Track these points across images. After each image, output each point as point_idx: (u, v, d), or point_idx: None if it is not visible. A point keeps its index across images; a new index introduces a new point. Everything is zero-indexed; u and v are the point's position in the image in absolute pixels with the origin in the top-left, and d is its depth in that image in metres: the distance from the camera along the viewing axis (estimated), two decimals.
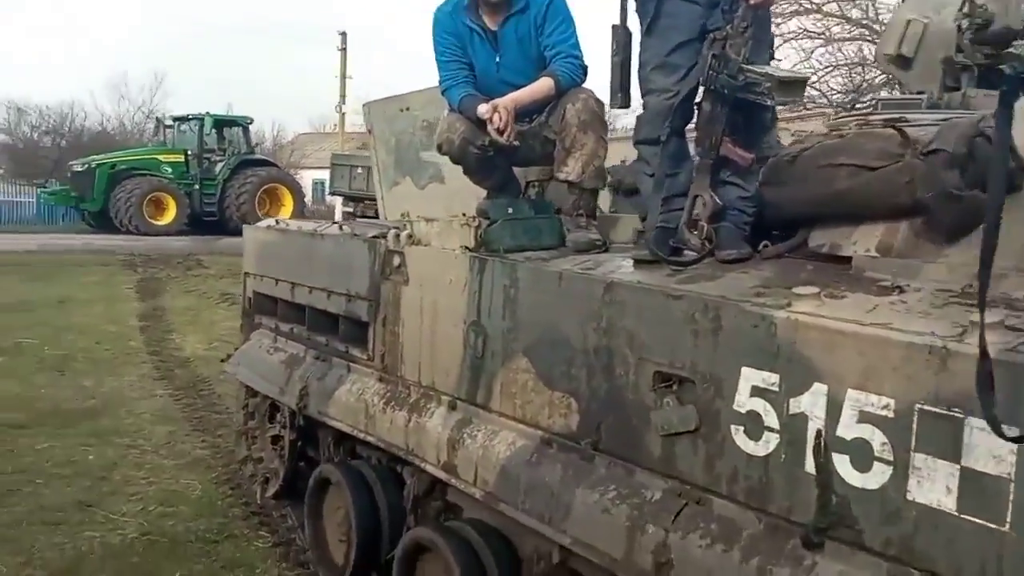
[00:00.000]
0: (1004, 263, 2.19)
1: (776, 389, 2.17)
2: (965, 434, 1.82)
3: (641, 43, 2.91)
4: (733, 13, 2.55)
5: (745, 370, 2.23)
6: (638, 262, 2.79)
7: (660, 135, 2.85)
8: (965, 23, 3.32)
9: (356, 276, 3.78)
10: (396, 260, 3.55)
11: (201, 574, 4.37)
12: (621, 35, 3.00)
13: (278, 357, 4.37)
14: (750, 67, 2.50)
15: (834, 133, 2.70)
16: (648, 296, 2.51)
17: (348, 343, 3.89)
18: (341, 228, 4.03)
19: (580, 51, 3.24)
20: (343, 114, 30.70)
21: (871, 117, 2.81)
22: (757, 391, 2.21)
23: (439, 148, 3.43)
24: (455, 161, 3.39)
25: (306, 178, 33.03)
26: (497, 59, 3.35)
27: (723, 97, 2.60)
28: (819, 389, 2.08)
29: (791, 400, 2.13)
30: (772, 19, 2.93)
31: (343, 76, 30.31)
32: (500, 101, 3.08)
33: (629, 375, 2.55)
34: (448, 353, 3.27)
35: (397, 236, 3.57)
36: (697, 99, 2.74)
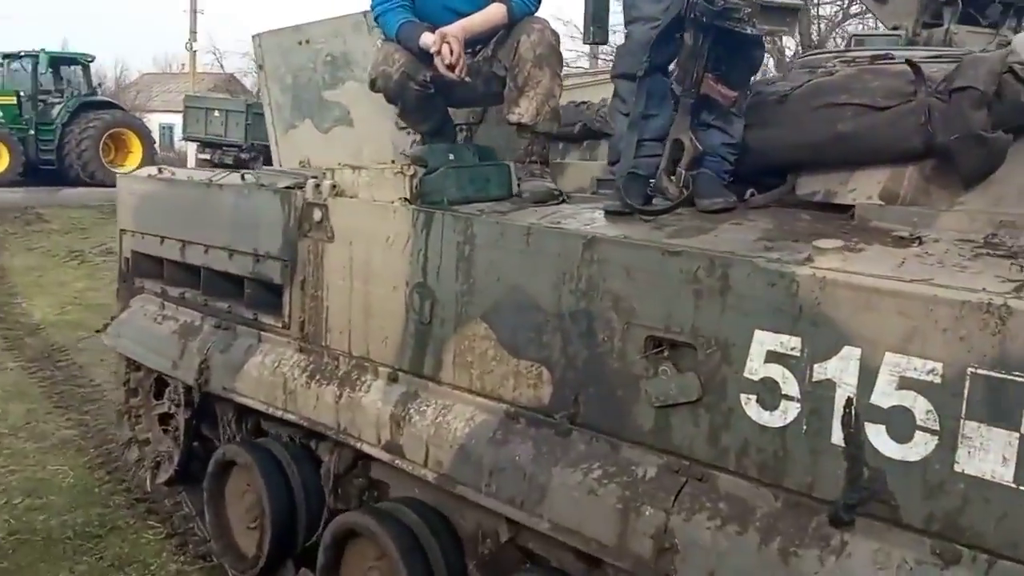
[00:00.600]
0: (1019, 210, 2.06)
1: (797, 354, 1.95)
2: None
3: None
4: None
5: (759, 333, 2.00)
6: (609, 213, 2.51)
7: (639, 70, 2.56)
8: None
9: (265, 233, 3.32)
10: (317, 214, 3.11)
11: (85, 575, 3.87)
12: None
13: (168, 326, 3.84)
14: None
15: (820, 71, 2.49)
16: (638, 253, 2.23)
17: (257, 309, 3.43)
18: (244, 177, 3.52)
19: None
20: (194, 52, 28.66)
21: (850, 54, 2.62)
22: (774, 356, 1.98)
23: (372, 84, 2.99)
24: (391, 99, 2.97)
25: (152, 122, 30.73)
26: None
27: (704, 27, 2.33)
28: (850, 353, 1.87)
29: (815, 366, 1.92)
30: None
31: (193, 10, 28.19)
32: (448, 29, 2.68)
33: (614, 341, 2.28)
34: (386, 319, 2.90)
35: (317, 187, 3.13)
36: None
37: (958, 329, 1.72)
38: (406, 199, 2.90)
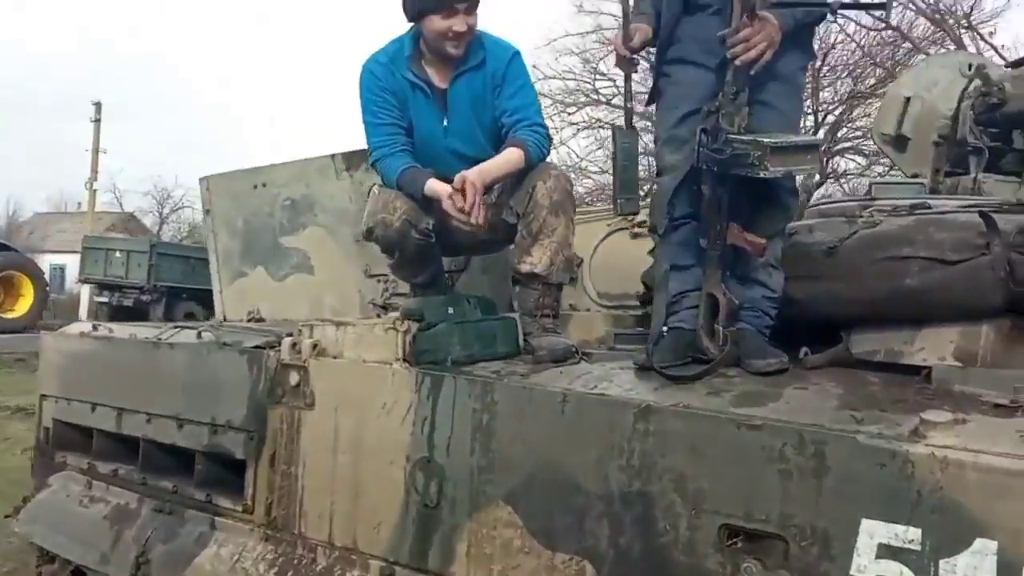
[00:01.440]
0: None
1: (918, 548, 1.67)
2: None
3: (655, 116, 2.45)
4: (721, 79, 2.14)
5: (867, 523, 1.72)
6: (640, 368, 2.25)
7: (661, 224, 2.36)
8: (977, 102, 3.19)
9: (226, 399, 2.89)
10: (293, 378, 2.72)
11: None
12: (625, 137, 2.47)
13: (96, 510, 3.27)
14: (737, 135, 2.07)
15: (861, 222, 2.34)
16: (707, 425, 1.94)
17: (211, 489, 2.94)
18: (200, 335, 3.10)
19: (543, 119, 2.69)
20: (94, 191, 27.85)
21: (881, 202, 2.49)
22: (887, 551, 1.70)
23: (368, 233, 2.69)
24: (389, 248, 2.67)
25: (44, 262, 29.43)
26: (445, 123, 2.71)
27: (718, 176, 2.16)
28: (985, 547, 1.60)
29: (942, 562, 1.64)
30: (801, 85, 2.54)
31: (95, 150, 27.58)
32: (468, 174, 2.43)
33: (679, 530, 1.95)
34: (380, 501, 2.48)
35: (294, 346, 2.76)
36: None
37: None
38: (404, 359, 2.56)
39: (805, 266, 2.30)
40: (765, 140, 2.07)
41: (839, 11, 2.10)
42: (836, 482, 1.76)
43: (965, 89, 3.17)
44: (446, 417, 2.37)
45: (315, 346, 2.73)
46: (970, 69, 3.21)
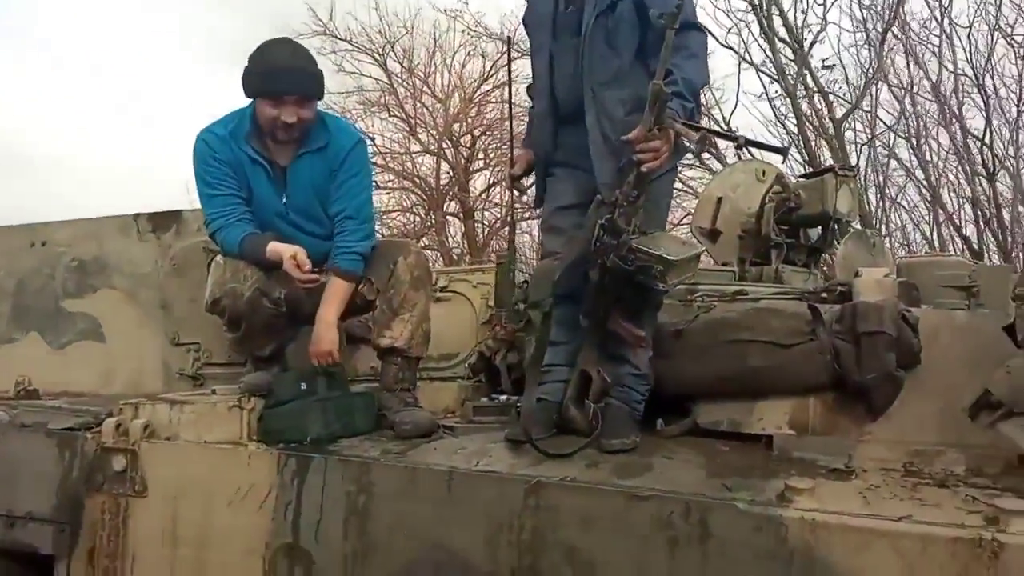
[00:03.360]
0: (927, 438, 2.28)
1: None
2: None
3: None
4: (622, 178, 2.32)
5: None
6: (512, 441, 2.33)
7: (543, 301, 2.49)
8: (777, 204, 3.64)
9: (28, 489, 2.54)
10: (119, 463, 2.46)
11: None
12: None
13: None
14: (641, 248, 2.25)
15: (697, 306, 2.62)
16: (596, 497, 2.05)
17: None
18: None
19: (370, 217, 2.67)
20: None
21: (705, 287, 2.81)
22: None
23: (214, 303, 2.50)
24: (236, 319, 2.50)
25: None
26: (284, 200, 2.64)
27: (612, 270, 2.32)
28: None
29: None
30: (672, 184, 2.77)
31: None
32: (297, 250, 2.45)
33: None
34: None
35: (119, 426, 2.50)
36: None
37: (954, 565, 1.80)
38: (252, 439, 2.43)
39: (655, 345, 2.52)
40: (669, 257, 2.22)
41: (743, 147, 2.35)
42: (719, 546, 1.95)
43: (767, 192, 3.69)
44: (314, 501, 2.28)
45: (146, 427, 2.50)
46: (764, 175, 3.76)
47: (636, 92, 2.34)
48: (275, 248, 2.51)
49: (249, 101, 2.65)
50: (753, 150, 2.31)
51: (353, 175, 2.68)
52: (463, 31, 14.70)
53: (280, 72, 2.56)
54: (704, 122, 2.54)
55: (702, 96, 2.55)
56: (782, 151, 2.89)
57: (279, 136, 2.60)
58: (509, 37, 4.50)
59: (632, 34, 2.41)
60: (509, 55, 3.65)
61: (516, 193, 2.87)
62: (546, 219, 2.64)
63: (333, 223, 2.67)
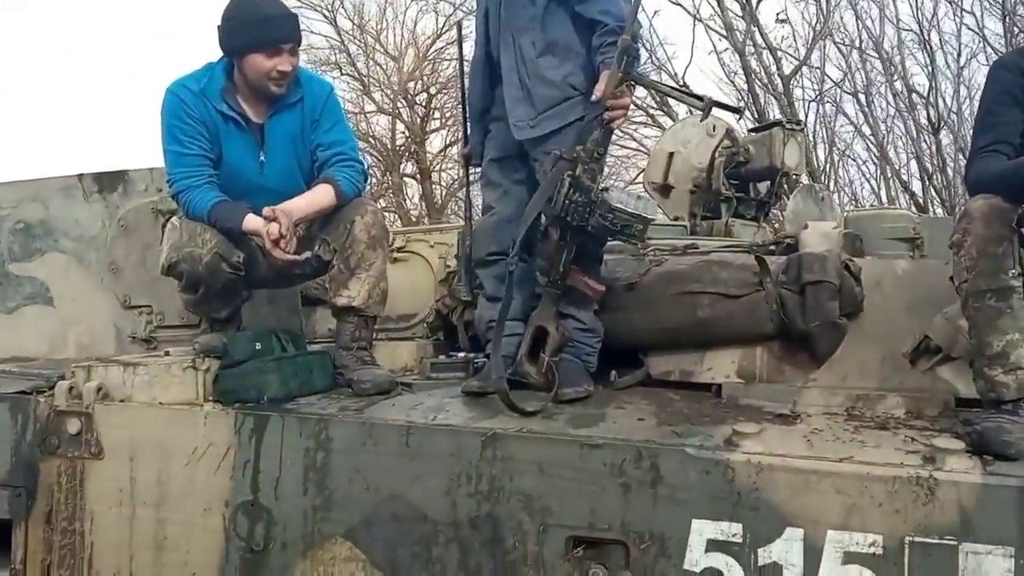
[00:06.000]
0: (868, 383, 2.37)
1: (739, 540, 1.97)
2: (960, 559, 1.85)
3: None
4: (587, 135, 2.34)
5: (697, 523, 1.99)
6: (470, 394, 2.38)
7: (487, 255, 2.51)
8: (725, 157, 3.67)
9: None
10: (73, 426, 2.45)
11: None
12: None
13: None
14: (620, 208, 2.29)
15: (649, 259, 2.66)
16: (553, 448, 2.10)
17: None
18: None
19: (359, 154, 2.67)
20: None
21: (656, 242, 2.85)
22: (715, 545, 1.98)
23: (171, 267, 2.47)
24: (194, 282, 2.47)
25: None
26: (262, 158, 2.59)
27: (576, 227, 2.34)
28: (793, 534, 1.94)
29: (759, 550, 1.96)
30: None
31: None
32: (279, 209, 2.36)
33: (528, 545, 2.09)
34: (193, 552, 2.33)
35: (71, 389, 2.48)
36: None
37: (893, 503, 1.89)
38: (208, 399, 2.44)
39: (608, 298, 2.56)
40: (646, 215, 2.30)
41: (709, 108, 2.37)
42: (669, 490, 2.02)
43: (716, 147, 3.73)
44: (273, 458, 2.30)
45: (99, 389, 2.48)
46: (714, 130, 3.80)
47: (548, 36, 2.42)
48: (253, 222, 2.46)
49: (219, 56, 2.60)
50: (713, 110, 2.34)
51: (338, 120, 2.70)
52: None
53: (274, 19, 2.54)
54: (654, 77, 2.56)
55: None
56: (737, 110, 2.93)
57: (272, 90, 2.55)
58: None
59: None
60: (459, 28, 3.60)
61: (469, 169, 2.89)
62: (483, 172, 2.67)
63: (324, 167, 2.61)
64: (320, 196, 2.50)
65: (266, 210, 2.37)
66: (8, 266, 3.44)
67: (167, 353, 2.67)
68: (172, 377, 2.49)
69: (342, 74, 15.16)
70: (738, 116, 4.54)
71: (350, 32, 15.55)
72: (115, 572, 2.39)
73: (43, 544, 2.44)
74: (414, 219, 14.67)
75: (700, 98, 2.38)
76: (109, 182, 3.37)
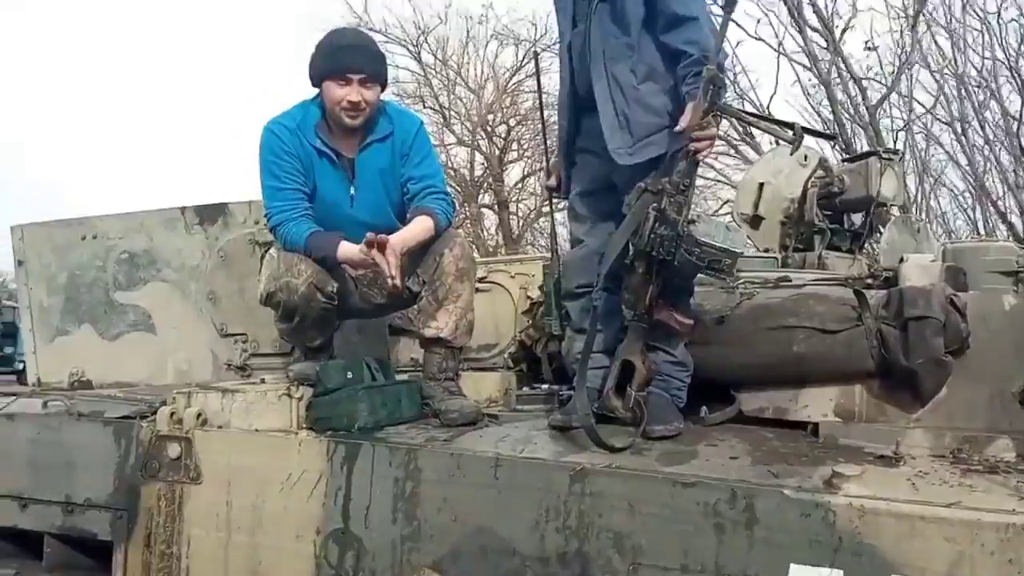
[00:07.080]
0: (976, 424, 2.27)
1: None
2: None
3: None
4: (672, 167, 2.32)
5: (795, 568, 1.92)
6: (556, 428, 2.36)
7: (575, 287, 2.51)
8: (821, 189, 3.62)
9: (86, 476, 2.62)
10: (173, 450, 2.53)
11: None
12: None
13: None
14: (707, 242, 2.25)
15: (739, 293, 2.61)
16: (643, 485, 2.07)
17: (65, 575, 2.63)
18: (47, 404, 2.77)
19: (447, 188, 2.73)
20: None
21: (747, 274, 2.81)
22: None
23: (268, 296, 2.56)
24: (290, 312, 2.55)
25: None
26: (352, 192, 2.67)
27: (662, 261, 2.31)
28: None
29: None
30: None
31: None
32: (389, 239, 2.41)
33: None
34: None
35: (173, 415, 2.56)
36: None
37: (1006, 552, 1.79)
38: (302, 427, 2.49)
39: (698, 332, 2.52)
40: (735, 249, 2.27)
41: (800, 136, 2.33)
42: (765, 532, 1.95)
43: (809, 177, 3.66)
44: (363, 487, 2.33)
45: (199, 415, 2.56)
46: (806, 160, 3.73)
47: (646, 62, 2.40)
48: (347, 250, 2.53)
49: (315, 93, 2.69)
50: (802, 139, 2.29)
51: (427, 153, 2.76)
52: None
53: (345, 49, 2.63)
54: (737, 106, 2.53)
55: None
56: (832, 136, 2.89)
57: (345, 121, 2.62)
58: (535, 24, 4.51)
59: (636, 8, 2.42)
60: (536, 60, 3.65)
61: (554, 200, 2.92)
62: (570, 205, 2.68)
63: (415, 199, 2.68)
64: (423, 227, 2.56)
65: (369, 235, 2.41)
66: (113, 294, 3.60)
67: (263, 380, 2.75)
68: (268, 404, 2.55)
69: (424, 107, 15.49)
70: (832, 143, 4.44)
71: (432, 67, 15.91)
72: None
73: (142, 567, 2.52)
74: (491, 249, 14.81)
75: (790, 127, 2.33)
76: (210, 214, 3.51)
